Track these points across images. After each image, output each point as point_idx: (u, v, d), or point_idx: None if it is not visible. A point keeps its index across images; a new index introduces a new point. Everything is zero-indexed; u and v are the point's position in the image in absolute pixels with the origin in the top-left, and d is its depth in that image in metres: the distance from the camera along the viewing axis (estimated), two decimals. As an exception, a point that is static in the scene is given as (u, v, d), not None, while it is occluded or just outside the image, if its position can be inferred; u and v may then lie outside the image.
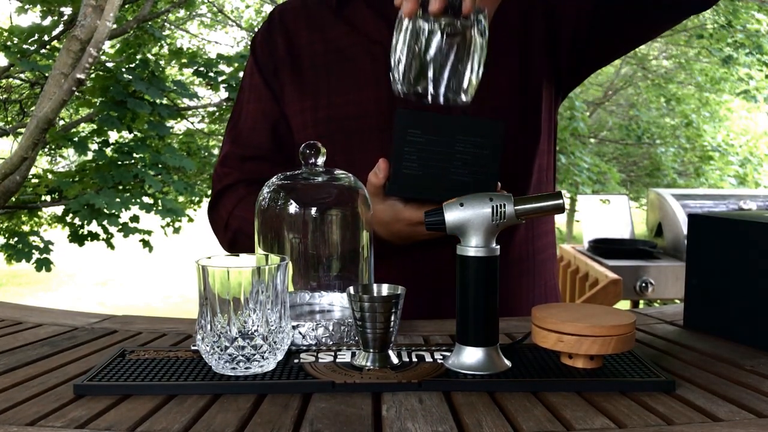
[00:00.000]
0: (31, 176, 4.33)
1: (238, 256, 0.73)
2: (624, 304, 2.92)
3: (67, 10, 3.97)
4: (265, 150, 1.08)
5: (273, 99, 1.08)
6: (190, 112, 5.82)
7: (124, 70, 4.04)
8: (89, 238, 4.31)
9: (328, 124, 1.02)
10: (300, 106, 1.04)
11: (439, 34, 0.72)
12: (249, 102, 1.10)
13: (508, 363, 0.68)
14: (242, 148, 1.09)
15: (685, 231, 2.38)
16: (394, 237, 0.91)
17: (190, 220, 4.88)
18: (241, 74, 3.58)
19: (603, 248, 3.07)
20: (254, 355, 0.64)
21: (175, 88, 4.27)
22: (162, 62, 5.03)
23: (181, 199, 5.40)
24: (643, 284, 2.82)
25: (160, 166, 4.03)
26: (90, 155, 4.11)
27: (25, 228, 4.77)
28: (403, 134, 0.83)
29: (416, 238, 0.90)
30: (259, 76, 1.09)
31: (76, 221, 4.24)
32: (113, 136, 4.40)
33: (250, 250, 0.83)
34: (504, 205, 0.67)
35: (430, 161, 0.83)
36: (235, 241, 1.05)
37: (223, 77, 4.49)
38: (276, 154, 1.08)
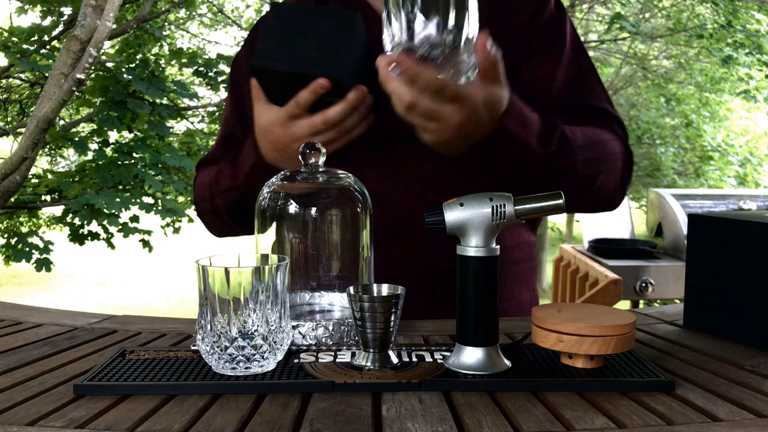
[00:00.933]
0: (31, 176, 4.33)
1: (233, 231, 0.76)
2: (624, 304, 2.92)
3: (67, 10, 3.97)
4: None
5: (234, 109, 1.12)
6: (190, 112, 5.83)
7: (124, 70, 4.04)
8: (89, 238, 4.31)
9: None
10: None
11: None
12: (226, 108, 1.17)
13: (508, 363, 0.68)
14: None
15: (685, 231, 2.38)
16: (273, 145, 0.91)
17: (190, 220, 4.87)
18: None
19: (603, 248, 3.07)
20: (254, 355, 0.64)
21: (175, 88, 4.27)
22: (162, 62, 5.03)
23: (181, 199, 5.39)
24: (643, 284, 2.82)
25: (160, 166, 4.03)
26: (90, 155, 4.11)
27: (24, 230, 4.77)
28: (269, 20, 0.89)
29: (292, 148, 0.88)
30: (231, 86, 1.15)
31: (76, 221, 4.24)
32: (113, 136, 4.40)
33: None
34: (504, 205, 0.67)
35: (284, 38, 0.86)
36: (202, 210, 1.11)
37: (223, 77, 4.49)
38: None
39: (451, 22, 0.70)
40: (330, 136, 0.87)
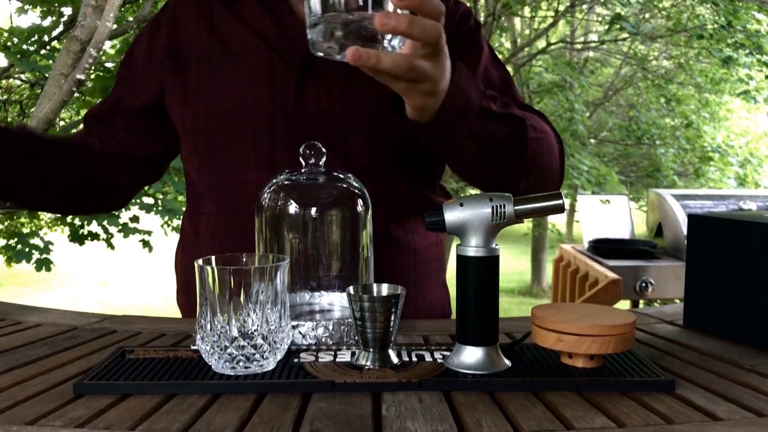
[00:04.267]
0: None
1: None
2: (624, 304, 2.92)
3: (67, 11, 3.96)
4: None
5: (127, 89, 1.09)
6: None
7: (124, 70, 4.03)
8: (89, 238, 4.31)
9: (206, 120, 1.00)
10: (181, 98, 1.03)
11: None
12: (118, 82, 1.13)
13: (508, 363, 0.68)
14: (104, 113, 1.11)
15: (685, 231, 2.38)
16: None
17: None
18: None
19: (603, 248, 3.07)
20: (254, 354, 0.64)
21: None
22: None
23: (180, 198, 5.40)
24: (643, 284, 2.82)
25: (160, 166, 4.01)
26: (90, 155, 4.09)
27: (25, 230, 4.77)
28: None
29: None
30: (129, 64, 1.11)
31: (76, 221, 4.23)
32: (113, 136, 4.38)
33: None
34: (504, 205, 0.67)
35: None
36: None
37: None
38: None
39: None
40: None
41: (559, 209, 0.68)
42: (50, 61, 3.94)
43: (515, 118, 0.89)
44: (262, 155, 0.96)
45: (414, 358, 0.70)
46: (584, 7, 7.20)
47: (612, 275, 2.63)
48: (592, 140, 8.59)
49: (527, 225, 9.30)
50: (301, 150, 0.80)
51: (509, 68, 7.87)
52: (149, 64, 1.07)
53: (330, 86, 0.96)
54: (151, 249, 4.49)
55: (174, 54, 1.05)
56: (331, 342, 0.76)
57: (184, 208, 1.17)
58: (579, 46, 8.53)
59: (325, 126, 0.96)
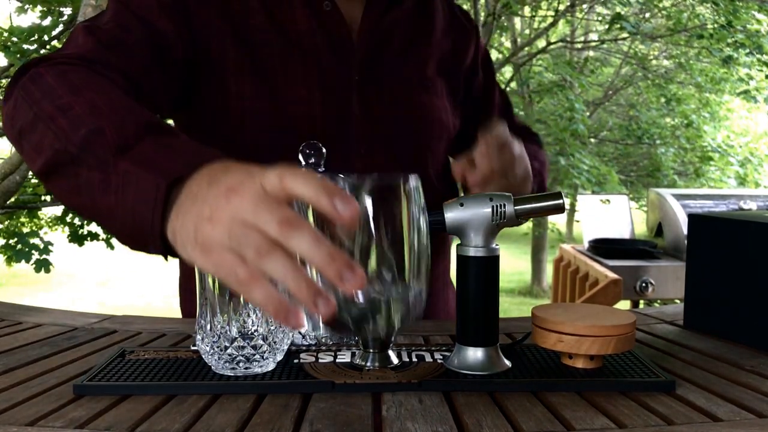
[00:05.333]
0: (31, 176, 4.32)
1: None
2: (624, 304, 2.92)
3: (67, 11, 3.96)
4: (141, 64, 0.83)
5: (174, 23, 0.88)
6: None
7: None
8: (89, 238, 4.31)
9: (280, 119, 0.91)
10: (250, 81, 0.91)
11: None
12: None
13: (508, 363, 0.68)
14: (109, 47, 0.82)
15: (685, 231, 2.38)
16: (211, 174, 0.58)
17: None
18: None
19: (603, 248, 3.07)
20: (254, 355, 0.64)
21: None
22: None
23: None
24: (643, 284, 2.82)
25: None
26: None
27: (25, 230, 4.77)
28: None
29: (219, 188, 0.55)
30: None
31: (76, 221, 4.23)
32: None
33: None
34: (504, 205, 0.67)
35: None
36: (21, 148, 0.73)
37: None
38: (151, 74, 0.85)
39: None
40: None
41: (559, 209, 0.68)
42: (50, 61, 3.93)
43: (541, 180, 1.05)
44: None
45: (414, 359, 0.70)
46: (584, 6, 7.20)
47: (612, 275, 2.63)
48: (593, 140, 8.59)
49: (527, 225, 9.30)
50: (300, 149, 0.79)
51: (509, 68, 7.87)
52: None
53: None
54: (151, 249, 4.48)
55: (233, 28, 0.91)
56: (331, 342, 0.76)
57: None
58: (579, 46, 8.53)
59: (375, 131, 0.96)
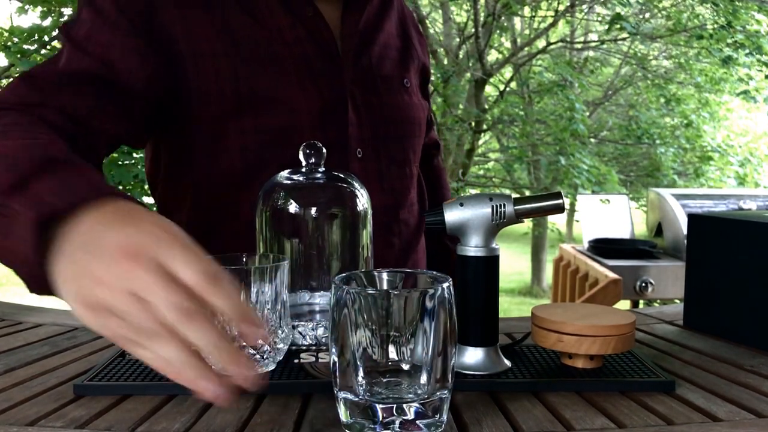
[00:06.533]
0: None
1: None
2: (624, 304, 2.92)
3: (67, 11, 3.97)
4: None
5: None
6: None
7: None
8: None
9: (277, 136, 0.89)
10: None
11: None
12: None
13: (508, 363, 0.68)
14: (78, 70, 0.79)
15: (685, 231, 2.38)
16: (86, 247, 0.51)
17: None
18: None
19: (603, 248, 3.07)
20: (254, 355, 0.64)
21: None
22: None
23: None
24: (643, 284, 2.82)
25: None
26: (90, 155, 4.09)
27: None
28: None
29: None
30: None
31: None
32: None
33: None
34: (504, 205, 0.67)
35: None
36: None
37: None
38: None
39: None
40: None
41: (559, 209, 0.68)
42: (50, 61, 3.93)
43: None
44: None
45: (414, 359, 0.70)
46: (584, 7, 7.20)
47: (612, 275, 2.63)
48: (592, 139, 8.59)
49: (527, 225, 9.29)
50: (300, 149, 0.80)
51: (509, 68, 7.86)
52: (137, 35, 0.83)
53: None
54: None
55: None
56: (331, 342, 0.76)
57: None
58: (579, 46, 8.53)
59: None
